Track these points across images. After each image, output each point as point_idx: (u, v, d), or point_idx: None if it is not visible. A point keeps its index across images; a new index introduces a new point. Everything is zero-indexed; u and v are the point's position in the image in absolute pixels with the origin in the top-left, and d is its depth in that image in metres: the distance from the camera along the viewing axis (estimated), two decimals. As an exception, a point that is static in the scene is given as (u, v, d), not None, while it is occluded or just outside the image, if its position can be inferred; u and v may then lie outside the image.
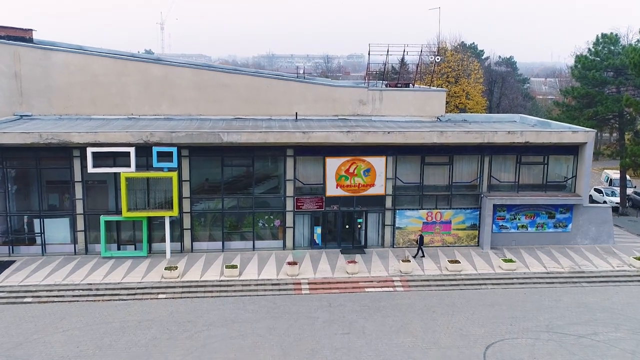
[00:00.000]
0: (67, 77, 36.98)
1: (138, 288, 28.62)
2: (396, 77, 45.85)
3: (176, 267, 29.75)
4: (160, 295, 28.18)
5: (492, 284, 30.23)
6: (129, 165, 31.19)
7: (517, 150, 34.32)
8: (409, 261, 31.03)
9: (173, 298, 28.02)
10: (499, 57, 79.48)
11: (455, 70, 55.64)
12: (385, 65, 40.16)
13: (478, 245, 35.02)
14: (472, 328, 25.40)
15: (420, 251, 32.68)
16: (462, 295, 28.92)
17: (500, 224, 34.97)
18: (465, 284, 30.06)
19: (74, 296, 27.93)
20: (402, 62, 50.94)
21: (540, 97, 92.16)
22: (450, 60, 55.69)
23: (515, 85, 73.88)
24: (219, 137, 31.68)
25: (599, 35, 43.93)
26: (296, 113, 38.36)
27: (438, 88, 42.61)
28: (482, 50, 76.39)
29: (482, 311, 27.12)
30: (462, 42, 72.17)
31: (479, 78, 57.68)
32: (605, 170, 55.71)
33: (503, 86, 65.18)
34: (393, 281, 29.96)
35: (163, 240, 32.63)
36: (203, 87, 38.07)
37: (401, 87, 40.88)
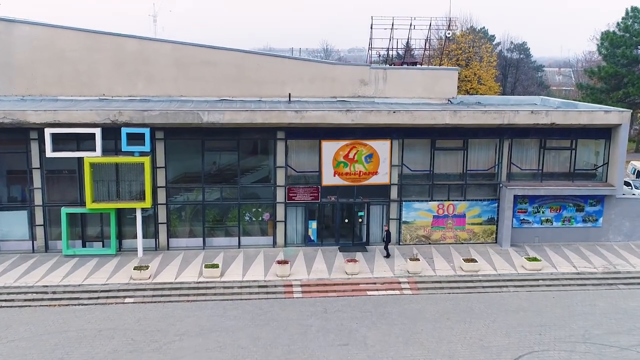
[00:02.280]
0: (31, 53, 33.64)
1: (102, 291, 25.43)
2: (401, 59, 42.52)
3: (147, 267, 26.52)
4: (127, 300, 25.00)
5: (515, 286, 27.05)
6: (94, 149, 27.97)
7: (541, 133, 31.14)
8: (417, 260, 27.77)
9: (142, 302, 24.86)
10: (511, 42, 76.10)
11: (466, 53, 52.34)
12: (389, 40, 36.78)
13: (496, 242, 31.81)
14: (494, 338, 22.17)
15: (387, 249, 29.47)
16: (480, 299, 25.69)
17: (522, 218, 31.73)
18: (483, 286, 26.89)
19: (25, 300, 24.71)
20: (408, 44, 47.46)
21: (555, 87, 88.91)
22: (460, 41, 52.39)
23: (529, 72, 70.62)
24: (199, 116, 28.48)
25: (629, 9, 40.53)
26: (289, 94, 35.12)
27: (449, 67, 39.26)
28: (493, 36, 73.06)
29: (504, 318, 23.88)
30: (472, 26, 68.91)
31: (492, 62, 54.37)
32: (632, 162, 52.37)
33: (517, 72, 61.85)
34: (399, 283, 26.77)
35: (136, 236, 29.35)
36: (184, 65, 34.73)
37: (408, 65, 37.50)
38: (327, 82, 35.71)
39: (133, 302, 24.84)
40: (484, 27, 73.02)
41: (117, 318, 23.43)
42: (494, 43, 71.37)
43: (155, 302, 24.91)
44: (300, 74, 35.57)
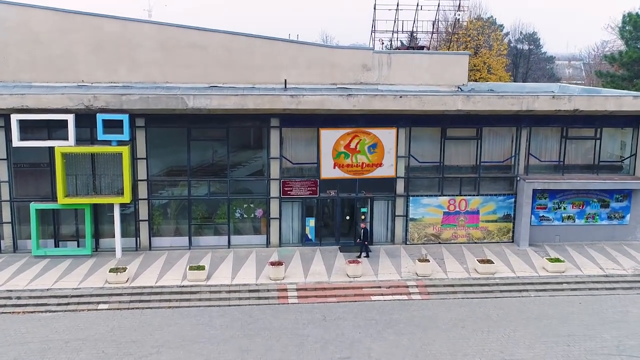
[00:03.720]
0: (1, 36, 31.37)
1: (73, 296, 23.14)
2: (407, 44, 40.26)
3: (124, 269, 24.21)
4: (100, 306, 22.72)
5: (536, 290, 24.78)
6: (66, 138, 25.78)
7: (563, 121, 28.87)
8: (427, 261, 25.46)
9: (118, 309, 22.57)
10: (520, 32, 73.71)
11: (475, 40, 50.02)
12: (394, 22, 34.56)
13: (513, 242, 29.54)
14: (516, 350, 19.93)
15: (364, 249, 27.17)
16: (498, 305, 23.42)
17: (541, 215, 29.45)
18: (501, 291, 24.60)
19: (-14, 307, 22.34)
20: (414, 27, 45.17)
21: (565, 81, 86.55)
22: (469, 27, 50.06)
23: (540, 63, 68.42)
24: (183, 101, 26.22)
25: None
26: (285, 80, 32.87)
27: (459, 52, 36.99)
28: (501, 25, 70.72)
29: (527, 326, 21.61)
30: (479, 15, 66.62)
31: (502, 50, 52.08)
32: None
33: (529, 62, 59.59)
34: (407, 287, 24.50)
35: (114, 235, 27.13)
36: (170, 48, 32.47)
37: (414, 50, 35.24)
38: (326, 67, 33.52)
39: (107, 309, 22.55)
40: (491, 16, 70.79)
41: (88, 327, 21.14)
42: (502, 33, 69.15)
43: (132, 308, 22.61)
44: (297, 59, 33.37)
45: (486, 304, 23.56)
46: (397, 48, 35.98)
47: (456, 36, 46.62)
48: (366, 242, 27.24)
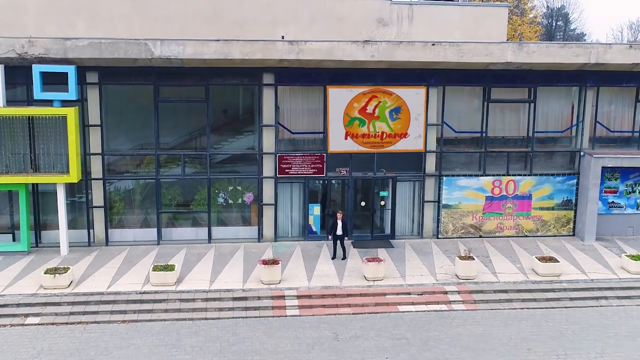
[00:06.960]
0: None
1: (-8, 306, 17.79)
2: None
3: (66, 269, 19.03)
4: (29, 320, 17.62)
5: (617, 297, 19.76)
6: (-7, 97, 20.72)
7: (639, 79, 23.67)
8: (471, 259, 20.13)
9: (52, 324, 17.47)
10: (547, 7, 69.04)
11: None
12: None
13: (574, 235, 24.55)
14: (613, 384, 14.53)
15: (337, 248, 21.98)
16: (570, 318, 18.30)
17: (610, 201, 24.38)
18: (571, 298, 19.51)
19: None
20: None
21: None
22: (498, -10, 45.11)
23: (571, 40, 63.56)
24: (147, 48, 21.19)
25: None
26: (282, 37, 28.15)
27: (497, 2, 31.93)
28: (526, -4, 66.19)
29: (617, 348, 16.54)
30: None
31: (535, 17, 47.10)
32: None
33: (564, 34, 54.72)
34: (446, 293, 19.43)
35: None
36: (140, -2, 27.88)
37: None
38: (333, 21, 29.33)
39: (38, 324, 17.42)
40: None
41: (7, 349, 16.08)
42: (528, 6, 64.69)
43: (73, 323, 17.51)
44: (298, 11, 29.35)
45: (554, 316, 18.35)
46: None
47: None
48: (330, 237, 22.01)
